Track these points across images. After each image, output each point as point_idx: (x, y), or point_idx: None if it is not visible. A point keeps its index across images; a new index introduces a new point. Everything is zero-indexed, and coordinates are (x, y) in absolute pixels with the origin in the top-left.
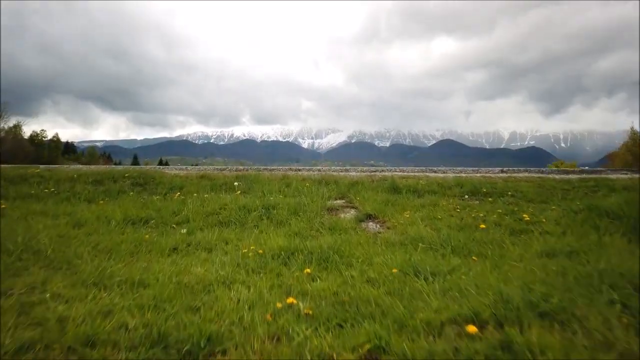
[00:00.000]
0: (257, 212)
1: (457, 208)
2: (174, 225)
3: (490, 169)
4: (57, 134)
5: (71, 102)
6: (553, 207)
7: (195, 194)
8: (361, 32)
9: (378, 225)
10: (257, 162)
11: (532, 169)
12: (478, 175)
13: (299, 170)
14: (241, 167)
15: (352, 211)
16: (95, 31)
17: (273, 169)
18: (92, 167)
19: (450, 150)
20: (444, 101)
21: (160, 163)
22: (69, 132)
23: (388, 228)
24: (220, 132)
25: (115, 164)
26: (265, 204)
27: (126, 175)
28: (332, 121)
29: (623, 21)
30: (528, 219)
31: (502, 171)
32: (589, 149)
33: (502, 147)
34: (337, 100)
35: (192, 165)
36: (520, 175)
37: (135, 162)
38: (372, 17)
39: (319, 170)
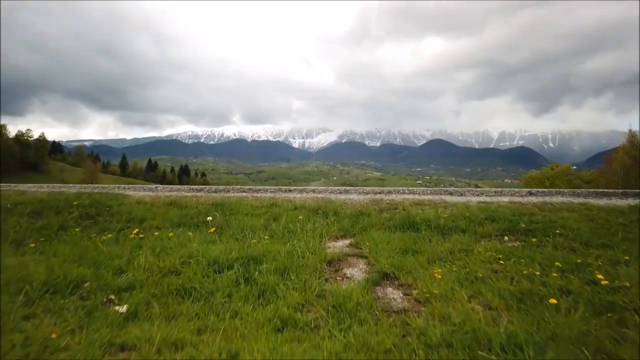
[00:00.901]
0: (233, 272)
1: (499, 258)
2: (112, 297)
3: (516, 190)
4: (43, 133)
5: (59, 101)
6: (626, 257)
7: (156, 232)
8: (352, 31)
9: (401, 294)
10: (247, 161)
11: (564, 190)
12: (505, 199)
13: (290, 191)
14: (221, 188)
15: (361, 263)
16: (85, 28)
17: (259, 190)
18: (42, 189)
19: (440, 150)
20: (435, 101)
21: (150, 163)
22: (57, 131)
23: (417, 301)
24: (211, 131)
25: (103, 164)
26: (245, 254)
27: (75, 203)
28: (322, 121)
29: (610, 22)
30: (606, 282)
31: (530, 193)
32: (576, 148)
33: (491, 146)
34: (328, 100)
35: (182, 165)
36: (556, 200)
37: (124, 161)
38: (362, 16)
39: (314, 191)
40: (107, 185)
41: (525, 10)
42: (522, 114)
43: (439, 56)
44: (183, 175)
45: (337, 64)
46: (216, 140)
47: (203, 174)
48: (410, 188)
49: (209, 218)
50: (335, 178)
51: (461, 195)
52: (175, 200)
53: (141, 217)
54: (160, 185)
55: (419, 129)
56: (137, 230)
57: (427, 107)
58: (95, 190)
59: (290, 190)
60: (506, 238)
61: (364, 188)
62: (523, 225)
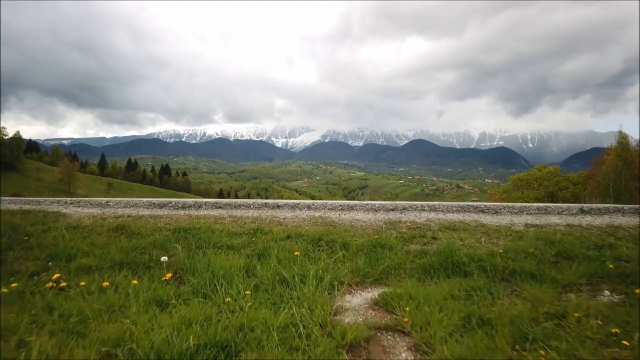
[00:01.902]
0: None
1: (616, 333)
2: None
3: (564, 207)
4: (18, 131)
5: (36, 98)
6: None
7: (85, 280)
8: (334, 30)
9: None
10: (230, 161)
11: (624, 207)
12: (558, 220)
13: (278, 207)
14: (191, 202)
15: (403, 348)
16: (61, 24)
17: (240, 206)
18: None
19: (422, 150)
20: (417, 101)
21: (130, 162)
22: (34, 129)
23: None
24: (193, 130)
25: (82, 163)
26: (212, 337)
27: None
28: (306, 120)
29: (587, 24)
30: None
31: (582, 211)
32: (555, 149)
33: (472, 147)
34: (311, 99)
35: (163, 164)
36: (622, 221)
37: (103, 161)
38: (344, 15)
39: (309, 207)
40: (44, 199)
41: (505, 12)
42: (502, 114)
43: (420, 56)
44: (164, 175)
45: (319, 63)
46: (198, 139)
47: (184, 174)
48: (430, 203)
49: (164, 259)
50: (318, 177)
51: (496, 213)
52: (124, 223)
53: (71, 251)
54: (115, 199)
55: (402, 129)
56: (58, 274)
57: (410, 107)
58: (26, 207)
59: (278, 207)
60: (607, 292)
61: (372, 203)
62: (611, 266)
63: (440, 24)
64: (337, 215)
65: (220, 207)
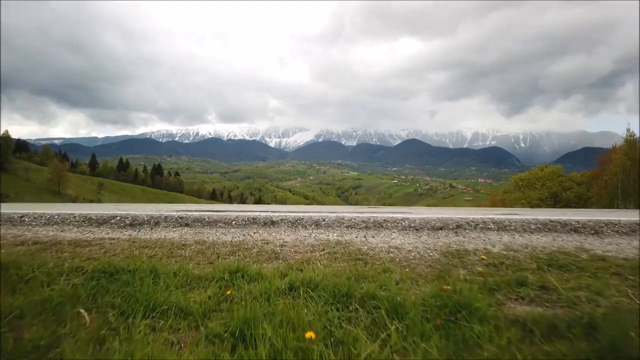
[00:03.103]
0: None
1: None
2: None
3: None
4: (6, 131)
5: (27, 98)
6: None
7: None
8: (326, 30)
9: None
10: (223, 160)
11: None
12: None
13: (273, 224)
14: (145, 216)
15: None
16: (53, 23)
17: (216, 222)
18: None
19: (416, 150)
20: (410, 101)
21: (121, 162)
22: (26, 129)
23: None
24: (185, 130)
25: (72, 163)
26: None
27: None
28: (299, 120)
29: (577, 24)
30: None
31: None
32: (547, 149)
33: (465, 146)
34: (304, 99)
35: (155, 164)
36: None
37: (94, 160)
38: (336, 15)
39: (317, 224)
40: None
41: (496, 12)
42: (495, 114)
43: (412, 57)
44: (156, 175)
45: (312, 64)
46: (191, 139)
47: (177, 174)
48: (494, 218)
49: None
50: (312, 177)
51: (596, 233)
52: (12, 259)
53: None
54: (37, 211)
55: (395, 129)
56: None
57: (403, 107)
58: None
59: (273, 224)
60: None
61: (408, 216)
62: None
63: (433, 24)
64: (363, 238)
65: (186, 225)
